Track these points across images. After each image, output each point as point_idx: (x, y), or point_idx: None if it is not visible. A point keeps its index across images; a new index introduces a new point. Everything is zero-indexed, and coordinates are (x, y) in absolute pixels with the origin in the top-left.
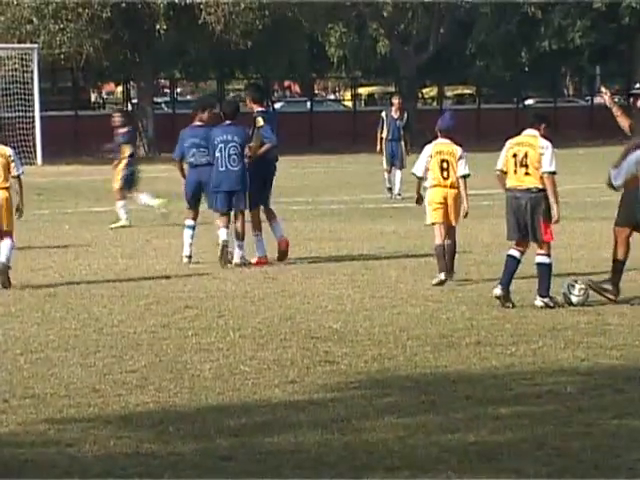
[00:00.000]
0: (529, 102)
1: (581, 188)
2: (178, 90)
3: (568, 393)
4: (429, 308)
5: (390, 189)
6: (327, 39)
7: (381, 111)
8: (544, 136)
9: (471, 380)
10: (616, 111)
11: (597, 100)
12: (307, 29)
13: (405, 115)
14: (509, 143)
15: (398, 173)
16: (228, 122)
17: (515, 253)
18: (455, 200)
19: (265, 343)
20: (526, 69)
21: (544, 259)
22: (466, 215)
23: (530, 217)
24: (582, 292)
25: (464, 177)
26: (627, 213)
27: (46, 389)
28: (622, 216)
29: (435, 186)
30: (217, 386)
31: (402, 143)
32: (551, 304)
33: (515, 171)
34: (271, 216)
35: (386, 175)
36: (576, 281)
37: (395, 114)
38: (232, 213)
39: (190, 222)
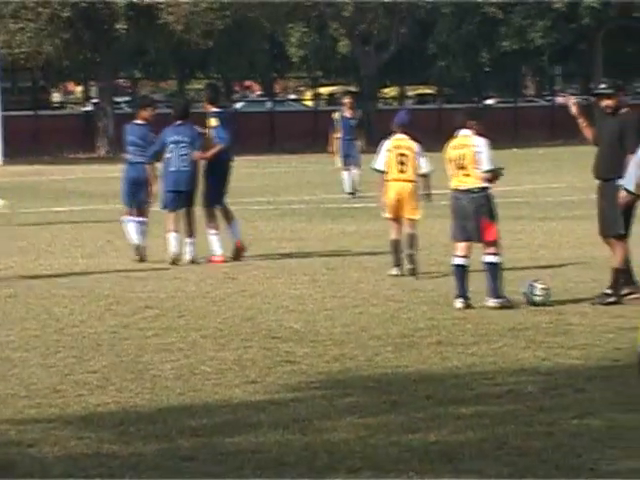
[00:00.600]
0: (489, 102)
1: (541, 188)
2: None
3: (529, 393)
4: (390, 308)
5: (351, 192)
6: (288, 39)
7: (335, 111)
8: (478, 133)
9: (432, 380)
10: (582, 122)
11: (558, 100)
12: (268, 29)
13: (358, 113)
14: (448, 147)
15: (354, 172)
16: (179, 122)
17: (460, 261)
18: (412, 194)
19: (226, 343)
20: (487, 69)
21: (493, 258)
22: (428, 197)
23: (473, 217)
24: (543, 292)
25: (426, 175)
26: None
27: (6, 390)
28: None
29: (392, 180)
30: (178, 386)
31: (357, 142)
32: (508, 304)
33: (455, 173)
34: (228, 216)
35: (345, 174)
36: (537, 281)
37: (348, 113)
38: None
39: (129, 217)
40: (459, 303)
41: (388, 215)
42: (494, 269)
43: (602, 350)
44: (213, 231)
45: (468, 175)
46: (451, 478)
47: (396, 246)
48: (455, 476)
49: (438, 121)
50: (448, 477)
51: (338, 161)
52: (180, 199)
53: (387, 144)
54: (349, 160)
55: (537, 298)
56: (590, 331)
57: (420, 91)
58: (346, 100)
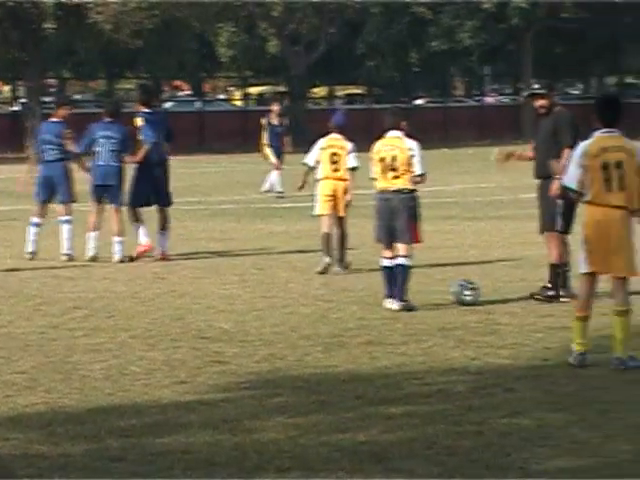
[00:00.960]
0: (419, 102)
1: (470, 188)
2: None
3: (458, 392)
4: (320, 308)
5: (269, 191)
6: (217, 39)
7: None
8: (408, 135)
9: (362, 380)
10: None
11: (486, 100)
12: (197, 29)
13: (285, 121)
14: (378, 147)
15: (277, 173)
16: (108, 119)
17: (387, 262)
18: (344, 192)
19: (155, 343)
20: (416, 69)
21: (405, 261)
22: (347, 205)
23: (400, 218)
24: (473, 291)
25: (352, 169)
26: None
27: None
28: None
29: (325, 178)
30: (107, 387)
31: (280, 148)
32: (410, 307)
33: (384, 175)
34: (163, 222)
35: (275, 173)
36: (466, 280)
37: (275, 120)
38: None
39: (35, 220)
40: (395, 305)
41: (321, 212)
42: (405, 272)
43: (531, 349)
44: (137, 224)
45: (398, 177)
46: (381, 478)
47: (327, 239)
48: (385, 476)
49: (367, 121)
50: (378, 477)
51: (272, 158)
52: (107, 193)
53: (321, 142)
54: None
55: (466, 298)
56: (519, 331)
57: (349, 91)
58: (274, 108)
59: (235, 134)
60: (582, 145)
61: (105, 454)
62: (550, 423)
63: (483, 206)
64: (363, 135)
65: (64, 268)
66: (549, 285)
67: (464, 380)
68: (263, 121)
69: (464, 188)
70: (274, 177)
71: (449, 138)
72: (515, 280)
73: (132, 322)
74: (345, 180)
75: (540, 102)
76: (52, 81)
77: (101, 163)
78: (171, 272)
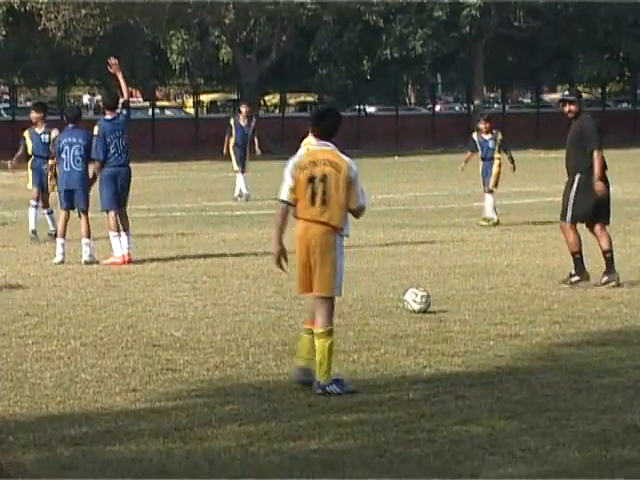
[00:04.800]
0: (371, 110)
1: (422, 195)
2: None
3: (410, 400)
4: (271, 315)
5: (240, 195)
6: (169, 46)
7: (228, 118)
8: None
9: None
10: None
11: (437, 108)
12: (149, 36)
13: (253, 122)
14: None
15: (240, 177)
16: (71, 126)
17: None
18: None
19: (106, 351)
20: (368, 77)
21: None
22: None
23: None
24: (424, 299)
25: None
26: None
27: None
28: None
29: None
30: (58, 394)
31: (248, 150)
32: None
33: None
34: (124, 225)
35: (240, 177)
36: (418, 288)
37: (243, 122)
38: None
39: None
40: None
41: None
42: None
43: (483, 357)
44: (113, 233)
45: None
46: None
47: None
48: None
49: None
50: None
51: (234, 164)
52: (72, 197)
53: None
54: (243, 165)
55: (418, 305)
56: (471, 338)
57: (301, 99)
58: (243, 109)
59: (187, 141)
60: (295, 157)
61: (56, 462)
62: (501, 431)
63: (435, 214)
64: None
65: (14, 276)
66: (573, 272)
67: (416, 388)
68: (232, 121)
69: (416, 196)
70: (240, 181)
71: (401, 146)
72: (467, 288)
73: (83, 330)
74: None
75: (568, 107)
76: (3, 88)
77: (66, 169)
78: (122, 280)
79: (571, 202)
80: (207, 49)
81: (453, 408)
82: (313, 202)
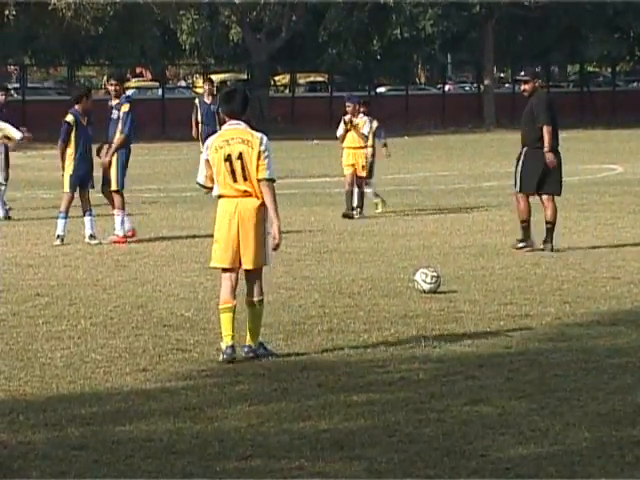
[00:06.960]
0: (381, 90)
1: (432, 176)
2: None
3: (420, 380)
4: (282, 296)
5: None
6: (179, 26)
7: (194, 98)
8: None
9: (323, 367)
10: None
11: (447, 88)
12: (159, 16)
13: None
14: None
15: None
16: (77, 107)
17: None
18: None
19: (117, 331)
20: (378, 57)
21: None
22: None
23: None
24: (434, 280)
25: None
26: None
27: None
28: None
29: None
30: (68, 374)
31: (218, 127)
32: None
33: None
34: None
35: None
36: (428, 268)
37: (207, 99)
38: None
39: None
40: None
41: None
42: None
43: (493, 337)
44: (116, 211)
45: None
46: (342, 465)
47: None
48: (346, 463)
49: (329, 109)
50: (339, 464)
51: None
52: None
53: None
54: None
55: (428, 286)
56: (481, 318)
57: (311, 79)
58: (206, 86)
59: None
60: (209, 139)
61: (66, 442)
62: (511, 411)
63: (445, 194)
64: (323, 123)
65: (25, 256)
66: (519, 238)
67: (426, 368)
68: (196, 101)
69: (426, 176)
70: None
71: (411, 126)
72: (477, 268)
73: (93, 310)
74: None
75: (523, 86)
76: (13, 68)
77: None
78: (133, 260)
79: (519, 173)
80: (217, 29)
81: (463, 388)
82: (235, 179)
